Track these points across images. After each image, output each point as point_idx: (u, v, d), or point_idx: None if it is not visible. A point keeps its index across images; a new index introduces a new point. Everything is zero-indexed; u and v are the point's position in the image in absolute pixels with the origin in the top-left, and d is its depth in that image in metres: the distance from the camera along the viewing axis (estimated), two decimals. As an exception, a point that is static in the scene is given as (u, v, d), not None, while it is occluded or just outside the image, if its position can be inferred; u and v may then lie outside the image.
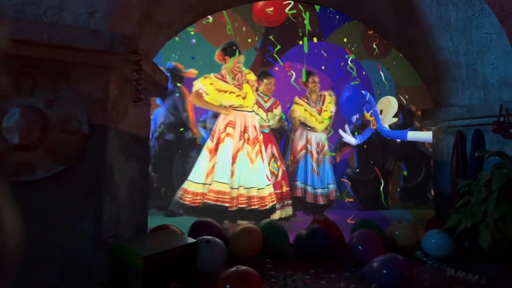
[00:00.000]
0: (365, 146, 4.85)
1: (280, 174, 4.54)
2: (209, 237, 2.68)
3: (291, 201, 4.54)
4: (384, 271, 2.64)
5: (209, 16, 4.23)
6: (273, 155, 4.57)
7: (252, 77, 4.51)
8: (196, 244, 2.48)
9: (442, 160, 4.06)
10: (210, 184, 4.14)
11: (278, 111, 4.66)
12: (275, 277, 2.71)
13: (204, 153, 4.25)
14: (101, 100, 2.30)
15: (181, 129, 4.35)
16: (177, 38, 4.13)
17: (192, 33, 4.27)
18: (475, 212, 3.30)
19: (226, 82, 4.36)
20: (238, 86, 4.38)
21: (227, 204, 4.13)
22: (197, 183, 4.18)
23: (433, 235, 3.43)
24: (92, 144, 2.26)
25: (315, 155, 4.70)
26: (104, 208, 2.27)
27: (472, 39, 3.69)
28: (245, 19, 4.49)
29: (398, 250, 3.53)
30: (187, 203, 4.12)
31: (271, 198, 4.37)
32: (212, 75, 4.34)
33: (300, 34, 4.65)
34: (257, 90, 4.59)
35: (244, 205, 4.20)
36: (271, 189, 4.39)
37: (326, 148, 4.75)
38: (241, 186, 4.23)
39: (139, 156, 2.84)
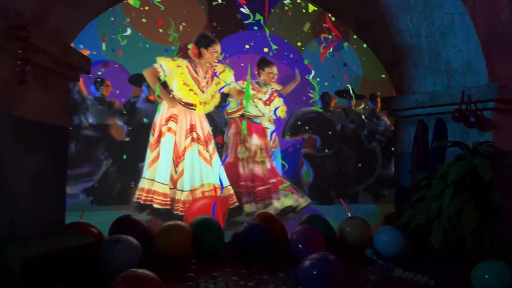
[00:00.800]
0: (326, 151, 4.59)
1: (267, 169, 4.23)
2: (122, 236, 2.42)
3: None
4: (315, 272, 2.39)
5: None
6: (260, 149, 4.26)
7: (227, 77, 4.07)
8: (96, 244, 2.23)
9: (403, 152, 3.78)
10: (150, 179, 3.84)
11: (279, 102, 4.32)
12: (195, 279, 2.46)
13: (148, 150, 3.92)
14: (-16, 82, 2.05)
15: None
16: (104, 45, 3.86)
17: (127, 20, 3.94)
18: (431, 208, 3.05)
19: (196, 78, 3.96)
20: (202, 88, 3.97)
21: (166, 206, 3.80)
22: (148, 179, 3.91)
23: (385, 231, 3.17)
24: (-28, 131, 2.01)
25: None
26: (-14, 203, 2.03)
27: (433, 20, 3.41)
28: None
29: (349, 248, 3.30)
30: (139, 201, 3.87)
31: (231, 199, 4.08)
32: (185, 61, 3.94)
33: (239, 16, 4.22)
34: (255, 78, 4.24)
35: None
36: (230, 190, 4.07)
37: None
38: (204, 185, 3.93)
39: (50, 146, 2.57)
